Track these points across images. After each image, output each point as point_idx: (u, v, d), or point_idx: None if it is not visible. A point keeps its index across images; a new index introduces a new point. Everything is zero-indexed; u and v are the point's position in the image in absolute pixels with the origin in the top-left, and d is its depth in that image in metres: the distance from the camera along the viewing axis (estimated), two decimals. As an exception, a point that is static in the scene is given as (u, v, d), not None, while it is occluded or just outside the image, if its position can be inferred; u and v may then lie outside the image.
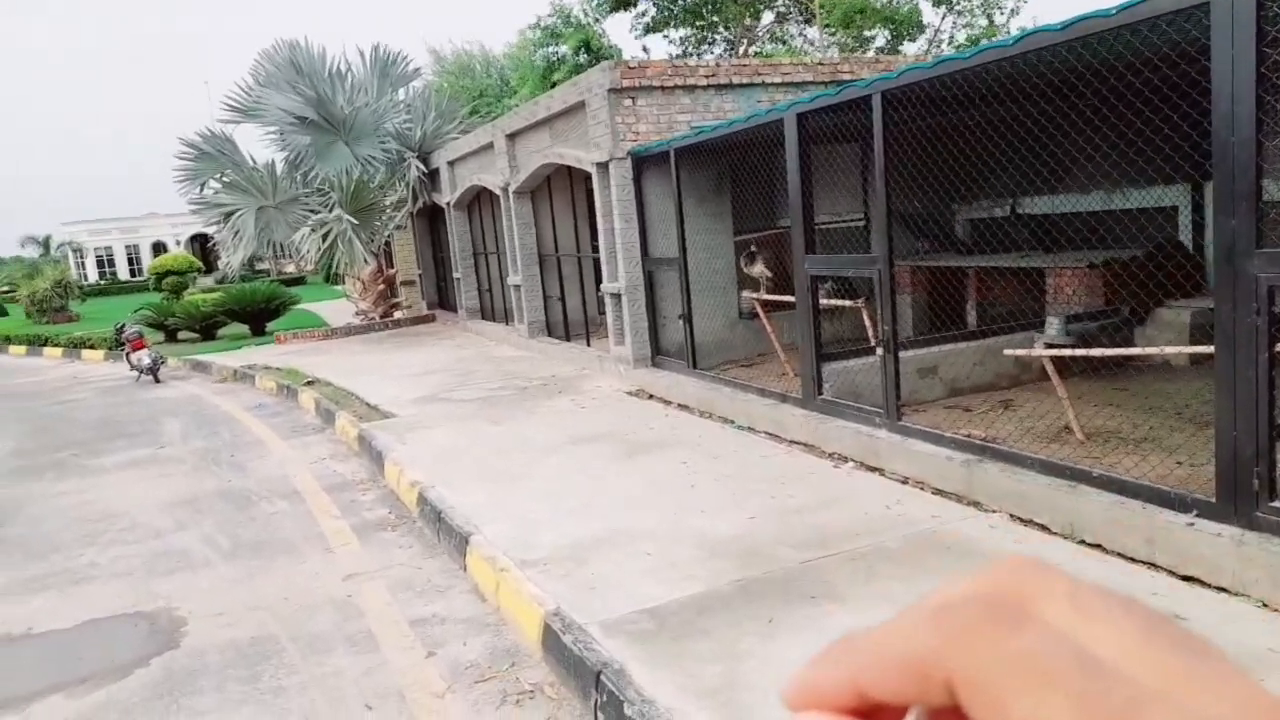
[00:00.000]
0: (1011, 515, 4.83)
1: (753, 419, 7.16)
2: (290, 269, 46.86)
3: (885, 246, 5.55)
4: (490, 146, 13.20)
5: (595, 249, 12.24)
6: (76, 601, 5.28)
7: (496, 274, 15.58)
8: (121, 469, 8.64)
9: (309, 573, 5.40)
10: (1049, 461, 4.76)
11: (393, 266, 19.89)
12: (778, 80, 9.58)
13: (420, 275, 20.00)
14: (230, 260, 17.29)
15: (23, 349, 21.29)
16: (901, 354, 6.04)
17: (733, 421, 7.42)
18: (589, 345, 11.58)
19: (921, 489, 5.34)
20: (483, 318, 16.18)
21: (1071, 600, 0.28)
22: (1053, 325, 6.83)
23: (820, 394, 6.53)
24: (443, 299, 19.40)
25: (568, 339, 12.31)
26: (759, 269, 8.63)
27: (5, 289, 45.79)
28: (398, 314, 19.12)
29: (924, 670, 0.27)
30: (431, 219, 19.15)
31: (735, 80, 9.36)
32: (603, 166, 9.45)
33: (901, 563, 4.21)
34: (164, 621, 4.88)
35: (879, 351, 5.74)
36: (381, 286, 18.70)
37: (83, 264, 57.46)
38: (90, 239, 58.94)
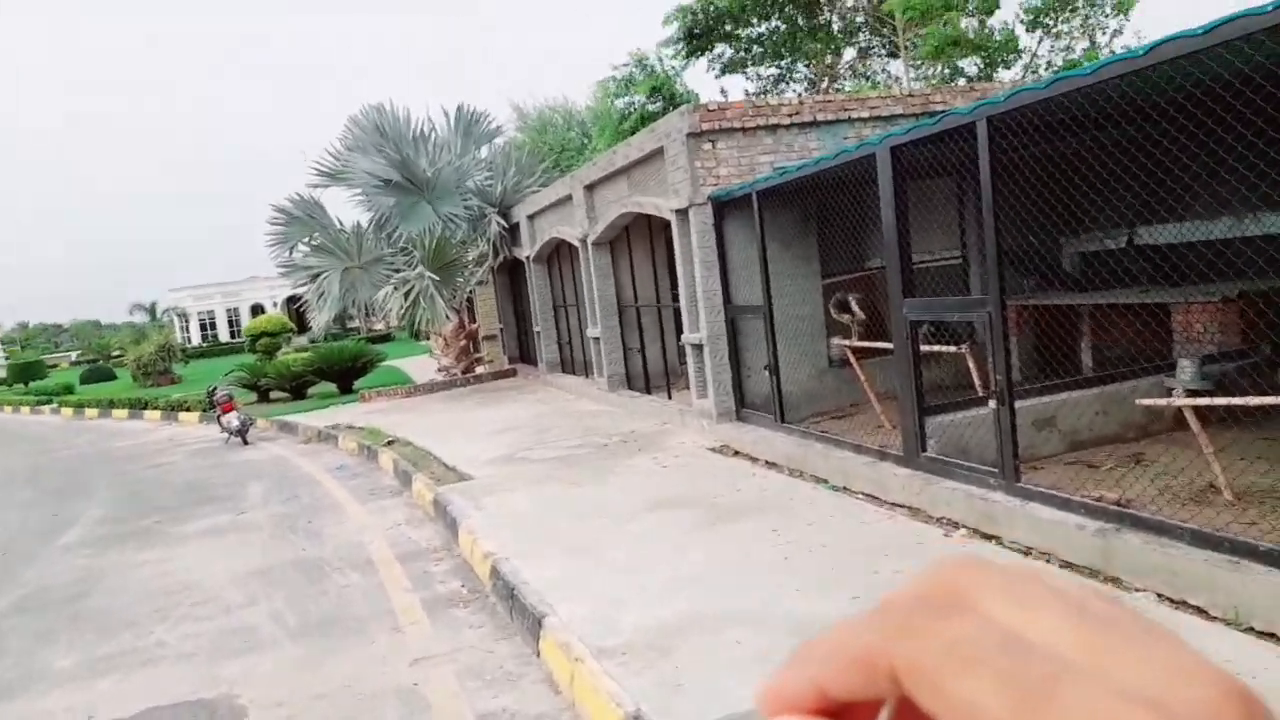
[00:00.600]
0: (1159, 595, 4.16)
1: (849, 478, 6.59)
2: (379, 326, 48.13)
3: (996, 287, 5.00)
4: (569, 199, 13.06)
5: (675, 298, 11.90)
6: (140, 685, 5.05)
7: (576, 326, 15.38)
8: (202, 537, 8.56)
9: (376, 656, 5.06)
10: (1203, 532, 4.09)
11: (474, 321, 19.96)
12: (865, 115, 9.13)
13: (501, 329, 20.01)
14: (317, 320, 17.59)
15: (124, 412, 22.07)
16: (992, 406, 5.43)
17: (826, 481, 6.86)
18: (669, 398, 11.17)
19: (1047, 561, 4.69)
20: (563, 370, 15.97)
21: (1006, 591, 0.29)
22: (1186, 369, 6.10)
23: (924, 451, 5.94)
24: (523, 352, 19.33)
25: (648, 391, 11.93)
26: (851, 313, 8.10)
27: (115, 353, 48.25)
28: (479, 369, 19.11)
29: (870, 663, 0.28)
30: (512, 273, 19.18)
31: (820, 117, 8.95)
32: (682, 213, 9.11)
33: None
34: (224, 712, 4.59)
35: (991, 404, 5.15)
36: (464, 342, 18.74)
37: (187, 327, 60.27)
38: (194, 304, 61.85)
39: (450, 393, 17.33)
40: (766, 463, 7.80)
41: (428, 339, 34.11)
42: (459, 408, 14.78)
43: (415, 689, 4.54)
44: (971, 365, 6.81)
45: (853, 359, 8.20)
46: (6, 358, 55.49)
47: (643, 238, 12.15)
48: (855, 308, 8.07)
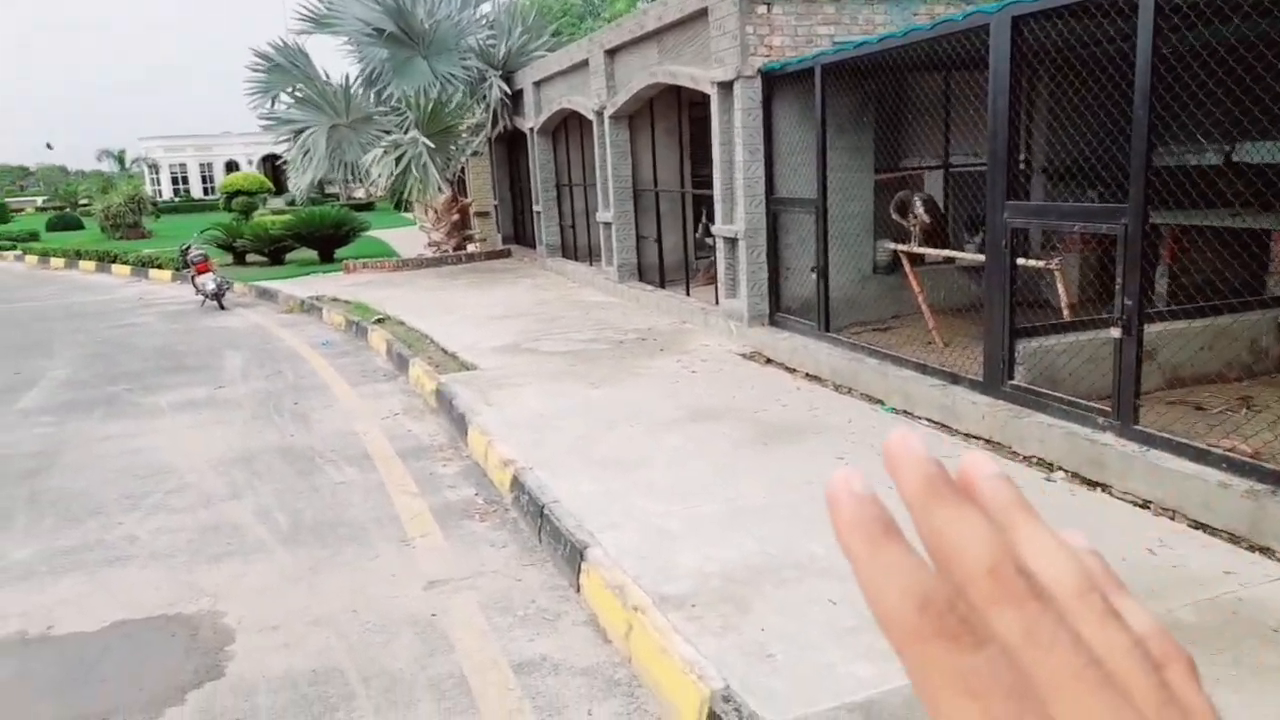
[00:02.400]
0: (1320, 573, 3.54)
1: (910, 401, 5.90)
2: (360, 194, 46.19)
3: (1141, 194, 4.17)
4: (584, 65, 11.85)
5: (698, 185, 10.92)
6: (108, 590, 4.36)
7: (582, 208, 14.35)
8: (176, 411, 7.77)
9: (383, 574, 4.38)
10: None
11: (467, 196, 18.79)
12: (940, -11, 8.04)
13: (496, 206, 18.88)
14: (299, 181, 16.34)
15: (92, 265, 20.88)
16: (1114, 335, 4.71)
17: (882, 402, 6.17)
18: (688, 295, 10.35)
19: (1172, 519, 4.06)
20: (564, 256, 15.03)
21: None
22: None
23: (1010, 378, 5.23)
24: (519, 233, 18.28)
25: (662, 285, 11.10)
26: (917, 214, 7.25)
27: (83, 202, 46.14)
28: (471, 247, 18.08)
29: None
30: (511, 146, 17.93)
31: (890, -13, 7.85)
32: (725, 87, 8.08)
33: (1216, 651, 2.97)
34: (207, 632, 3.91)
35: (1115, 332, 4.41)
36: (456, 217, 17.63)
37: (157, 180, 57.76)
38: (165, 155, 59.12)
39: (440, 270, 16.36)
40: (807, 375, 7.08)
41: (414, 210, 32.72)
42: (452, 287, 13.88)
43: (433, 621, 3.88)
44: (1059, 284, 6.05)
45: (908, 266, 7.41)
46: (-34, 198, 53.04)
47: (668, 114, 11.06)
48: (920, 209, 7.22)
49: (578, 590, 3.96)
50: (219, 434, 7.00)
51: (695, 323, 9.32)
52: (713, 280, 11.20)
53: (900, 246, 7.36)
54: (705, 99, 10.02)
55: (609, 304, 11.19)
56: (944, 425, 5.56)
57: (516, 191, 18.24)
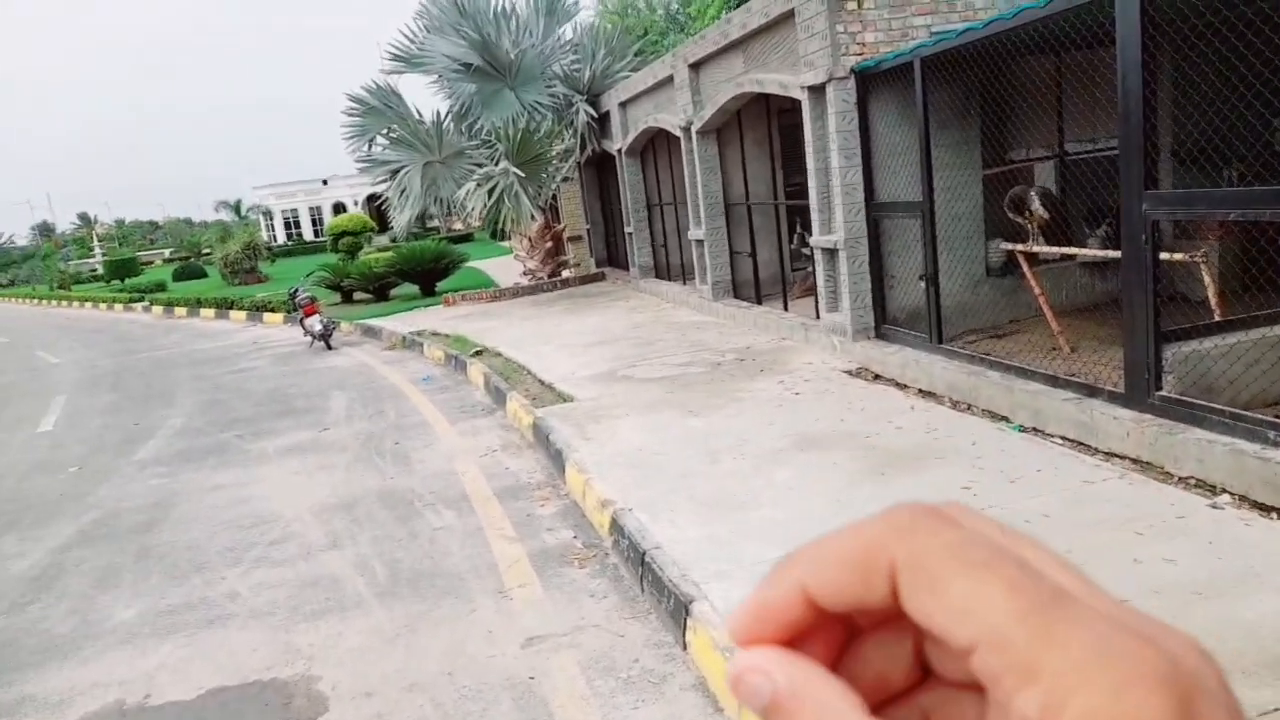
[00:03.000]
0: None
1: (1040, 417, 5.36)
2: (459, 226, 47.42)
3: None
4: (669, 81, 11.63)
5: (791, 195, 10.52)
6: (207, 653, 4.29)
7: (673, 227, 14.12)
8: (282, 456, 7.85)
9: (480, 630, 4.17)
10: None
11: (560, 222, 18.82)
12: (1044, -32, 7.44)
13: (589, 230, 18.86)
14: (398, 219, 16.67)
15: (212, 312, 21.87)
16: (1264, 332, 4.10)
17: (1007, 419, 5.64)
18: (786, 310, 9.94)
19: (1377, 551, 3.45)
20: (657, 276, 14.82)
21: (999, 527, 0.29)
22: None
23: (1159, 388, 4.66)
24: (612, 256, 18.19)
25: (759, 301, 10.71)
26: (1034, 210, 6.68)
27: (205, 251, 48.84)
28: (566, 273, 18.08)
29: (868, 558, 0.28)
30: (600, 168, 17.89)
31: (989, -30, 7.33)
32: (816, 90, 7.69)
33: None
34: (301, 701, 3.76)
35: (1286, 335, 3.82)
36: (549, 244, 17.67)
37: (272, 226, 60.72)
38: (277, 202, 62.13)
39: (536, 298, 16.39)
40: (920, 391, 6.59)
41: (509, 240, 33.32)
42: (547, 315, 13.83)
43: (531, 686, 3.63)
44: (1206, 277, 5.41)
45: (1026, 267, 6.84)
46: (104, 254, 57.00)
47: (756, 124, 10.71)
48: (1038, 205, 6.65)
49: (684, 648, 3.65)
50: (322, 479, 7.00)
51: (795, 339, 8.90)
52: (810, 293, 10.75)
53: (1017, 246, 6.80)
54: (795, 105, 9.63)
55: (704, 323, 10.87)
56: (1081, 443, 5.01)
57: (608, 214, 18.17)
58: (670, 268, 14.27)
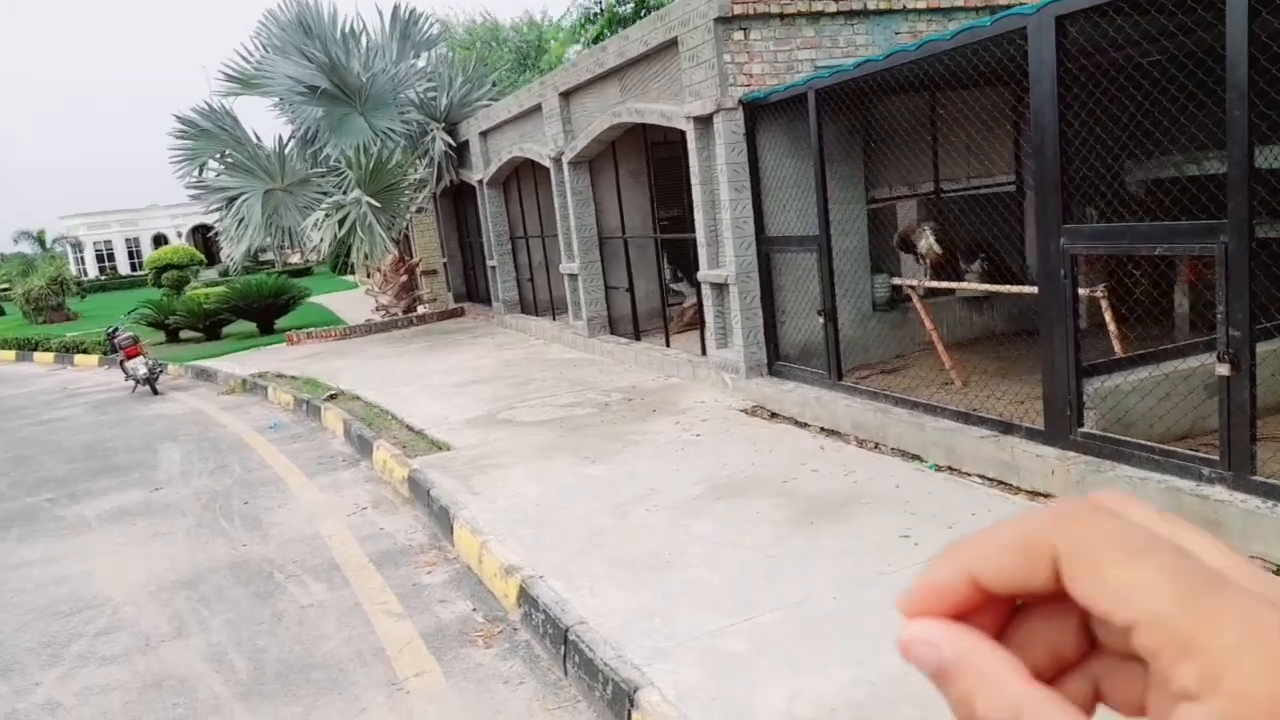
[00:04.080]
0: None
1: (955, 456, 5.21)
2: (295, 259, 44.90)
3: (1244, 204, 3.57)
4: (537, 110, 11.21)
5: (666, 228, 10.28)
6: (16, 790, 3.40)
7: (540, 260, 13.64)
8: (106, 523, 6.75)
9: (373, 736, 3.49)
10: None
11: (414, 255, 17.94)
12: (921, 6, 7.57)
13: (445, 264, 18.05)
14: (233, 251, 15.32)
15: (12, 354, 19.45)
16: (1221, 372, 4.11)
17: (919, 458, 5.48)
18: (668, 346, 9.64)
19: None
20: (524, 311, 14.25)
21: (1160, 515, 0.31)
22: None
23: (1080, 425, 4.58)
24: (471, 290, 17.47)
25: (637, 337, 10.37)
26: (926, 243, 6.65)
27: (2, 287, 43.98)
28: (421, 308, 17.21)
29: (1031, 546, 0.29)
30: (457, 199, 17.18)
31: (871, 5, 7.35)
32: (703, 121, 7.47)
33: None
34: None
35: (1222, 369, 3.77)
36: (404, 278, 16.76)
37: (82, 259, 55.62)
38: (89, 233, 57.02)
39: (392, 335, 15.45)
40: (823, 430, 6.38)
41: (355, 273, 31.67)
42: (407, 353, 12.97)
43: (449, 807, 3.01)
44: (1106, 313, 5.46)
45: (918, 301, 6.81)
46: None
47: (631, 155, 10.43)
48: (931, 240, 6.62)
49: (629, 746, 3.14)
50: (158, 550, 6.01)
51: (683, 376, 8.59)
52: (688, 327, 10.53)
53: (909, 281, 6.76)
54: (670, 137, 9.42)
55: (582, 361, 10.41)
56: (1002, 482, 4.88)
57: (466, 246, 17.46)
58: (539, 303, 13.75)
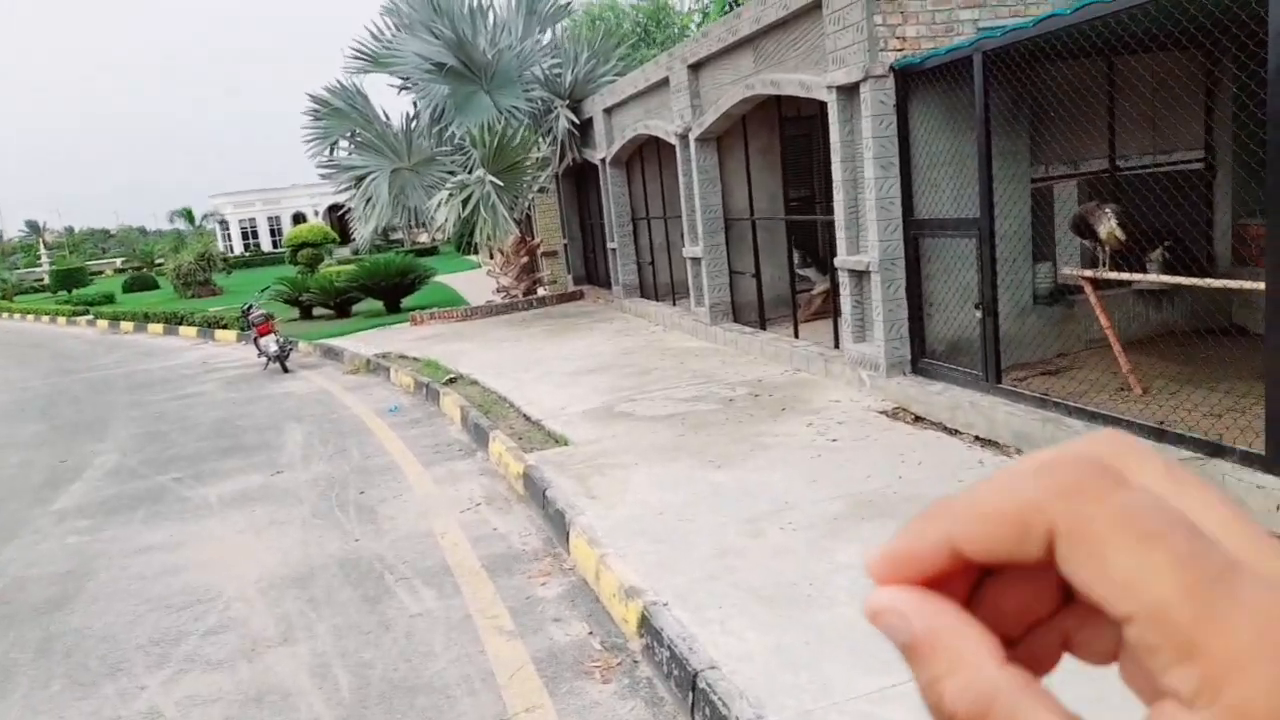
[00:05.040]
0: None
1: (1148, 479, 4.45)
2: (423, 239, 46.10)
3: None
4: (663, 84, 10.71)
5: (794, 210, 9.62)
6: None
7: (662, 243, 13.19)
8: (228, 507, 6.73)
9: (478, 783, 3.13)
10: None
11: (535, 236, 17.80)
12: (1102, -41, 6.63)
13: (566, 245, 17.85)
14: (362, 231, 15.50)
15: (160, 328, 20.48)
16: None
17: (1101, 477, 4.73)
18: (796, 337, 9.01)
19: None
20: (643, 296, 13.85)
21: (1168, 472, 0.28)
22: None
23: (1320, 454, 3.77)
24: (591, 273, 17.21)
25: (763, 326, 9.78)
26: (1108, 228, 5.80)
27: (158, 261, 46.96)
28: (542, 290, 17.05)
29: (1024, 519, 0.27)
30: (579, 180, 16.91)
31: (1043, -42, 6.49)
32: (847, 91, 6.80)
33: None
34: None
35: None
36: (525, 259, 16.63)
37: (228, 236, 58.85)
38: (235, 211, 60.28)
39: (511, 317, 15.34)
40: (977, 439, 5.68)
41: (478, 254, 32.09)
42: (526, 337, 12.78)
43: None
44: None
45: (1093, 295, 5.98)
46: (52, 263, 54.66)
47: (762, 131, 9.81)
48: (1113, 224, 5.77)
49: (769, 830, 2.64)
50: (273, 540, 5.90)
51: (814, 371, 7.97)
52: (816, 316, 9.87)
53: (1087, 272, 5.93)
54: (804, 112, 8.76)
55: (704, 350, 9.91)
56: (1211, 515, 4.11)
57: (586, 228, 17.19)
58: (658, 287, 13.31)
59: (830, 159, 7.16)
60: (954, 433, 5.90)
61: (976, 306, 5.95)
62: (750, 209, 9.84)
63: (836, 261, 7.32)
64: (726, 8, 19.04)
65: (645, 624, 3.73)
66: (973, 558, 0.28)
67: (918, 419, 6.33)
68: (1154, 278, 5.68)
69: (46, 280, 45.95)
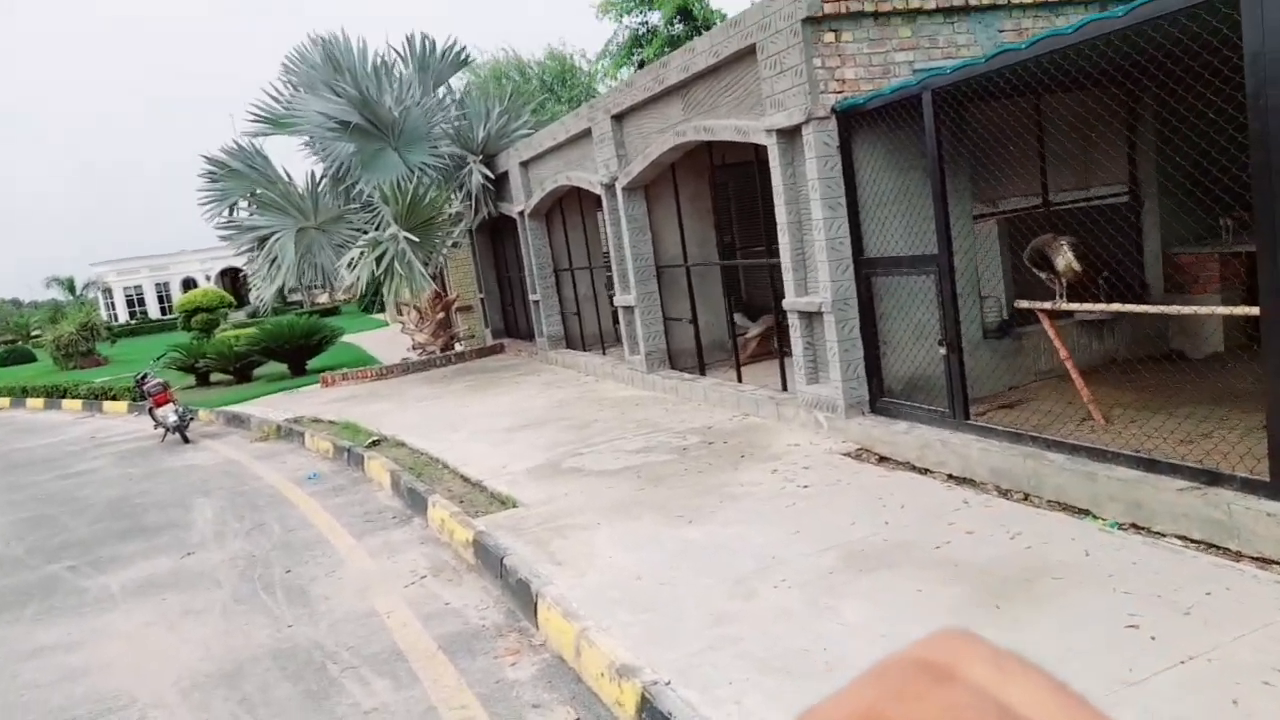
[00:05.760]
0: None
1: (1144, 513, 4.32)
2: (323, 299, 44.62)
3: None
4: (586, 135, 10.53)
5: (727, 254, 9.50)
6: None
7: (588, 292, 12.93)
8: (132, 597, 5.98)
9: None
10: None
11: (449, 292, 17.27)
12: (1027, 1, 6.79)
13: (483, 300, 17.38)
14: (263, 292, 14.66)
15: (40, 402, 18.94)
16: None
17: (1088, 513, 4.59)
18: (740, 381, 8.80)
19: None
20: (568, 346, 13.50)
21: (994, 663, 0.30)
22: None
23: (1323, 477, 3.69)
24: (509, 326, 16.78)
25: (702, 372, 9.55)
26: (1065, 260, 5.79)
27: (35, 334, 43.99)
28: (459, 346, 16.50)
29: None
30: (493, 233, 16.56)
31: (973, 1, 6.58)
32: (788, 134, 6.70)
33: None
34: None
35: None
36: (441, 315, 16.08)
37: (112, 304, 55.86)
38: (119, 278, 57.34)
39: (430, 374, 14.74)
40: (952, 478, 5.50)
41: (384, 311, 31.15)
42: (449, 394, 12.23)
43: None
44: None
45: (1050, 327, 5.95)
46: (-89, 339, 50.50)
47: (691, 178, 9.70)
48: (1070, 257, 5.76)
49: None
50: (191, 632, 5.22)
51: (764, 415, 7.74)
52: (751, 359, 9.70)
53: (1041, 304, 5.90)
54: (731, 159, 8.70)
55: (643, 399, 9.59)
56: (1213, 546, 3.98)
57: (504, 281, 16.80)
58: (585, 337, 12.99)
59: (774, 202, 7.03)
60: (925, 472, 5.71)
61: (940, 343, 5.83)
62: (684, 254, 9.66)
63: (785, 304, 7.15)
64: (627, 65, 19.14)
65: (647, 707, 3.32)
66: None
67: (882, 459, 6.13)
68: (1116, 307, 5.67)
69: (-94, 357, 42.35)
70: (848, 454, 6.33)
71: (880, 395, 6.57)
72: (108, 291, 56.25)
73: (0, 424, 17.34)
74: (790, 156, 6.79)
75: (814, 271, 6.80)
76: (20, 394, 19.88)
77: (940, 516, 4.80)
